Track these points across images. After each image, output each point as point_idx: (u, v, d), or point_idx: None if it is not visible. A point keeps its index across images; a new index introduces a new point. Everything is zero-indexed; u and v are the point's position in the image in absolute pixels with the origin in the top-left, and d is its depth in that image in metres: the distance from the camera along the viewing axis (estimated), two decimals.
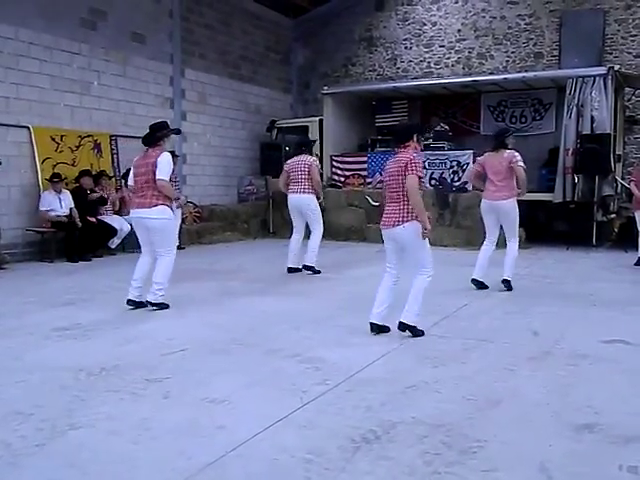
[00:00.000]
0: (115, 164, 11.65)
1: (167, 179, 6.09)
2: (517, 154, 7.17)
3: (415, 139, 5.22)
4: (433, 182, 12.77)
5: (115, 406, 3.57)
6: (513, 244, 7.38)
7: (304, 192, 8.50)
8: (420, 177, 5.02)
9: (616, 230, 12.30)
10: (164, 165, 6.06)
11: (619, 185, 11.91)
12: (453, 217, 12.02)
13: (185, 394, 3.77)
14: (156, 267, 6.23)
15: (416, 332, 5.13)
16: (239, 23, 14.88)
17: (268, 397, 3.73)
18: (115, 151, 11.63)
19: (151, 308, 6.16)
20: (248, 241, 13.04)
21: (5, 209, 9.88)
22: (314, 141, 9.37)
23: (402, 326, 5.12)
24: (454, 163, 12.64)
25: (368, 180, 13.50)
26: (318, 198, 8.67)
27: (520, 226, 11.46)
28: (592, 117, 11.28)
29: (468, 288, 7.35)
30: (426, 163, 13.08)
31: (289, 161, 8.85)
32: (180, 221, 11.86)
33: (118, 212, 11.06)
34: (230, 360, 4.51)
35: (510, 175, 7.12)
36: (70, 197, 10.05)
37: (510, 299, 6.80)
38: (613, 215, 11.93)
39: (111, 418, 3.38)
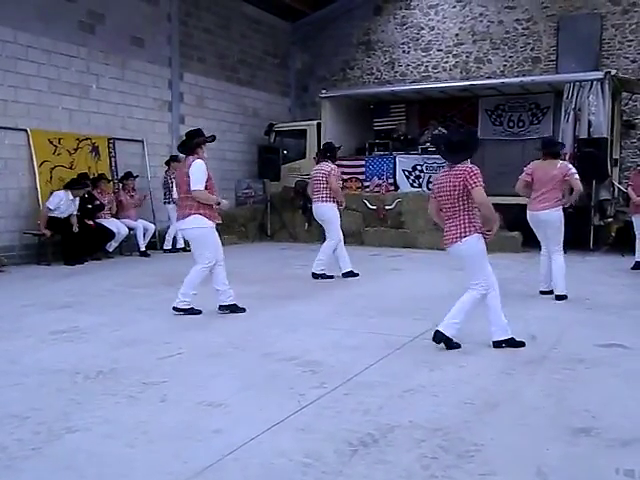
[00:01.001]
0: (113, 167, 11.65)
1: (201, 188, 5.92)
2: (571, 165, 7.15)
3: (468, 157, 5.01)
4: (431, 186, 12.79)
5: (112, 409, 3.57)
6: (558, 256, 7.08)
7: (322, 201, 8.43)
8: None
9: (613, 234, 12.31)
10: (196, 174, 5.92)
11: (616, 189, 11.94)
12: None
13: (182, 397, 3.77)
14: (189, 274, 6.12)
15: (451, 345, 4.87)
16: (237, 27, 14.90)
17: (265, 400, 3.72)
18: (113, 154, 11.63)
19: (179, 314, 6.05)
20: (246, 244, 13.04)
21: (2, 212, 9.87)
22: (339, 147, 9.32)
23: (439, 336, 4.87)
24: None
25: (366, 184, 13.52)
26: (340, 205, 8.57)
27: (516, 230, 11.64)
28: (589, 121, 11.31)
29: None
30: (424, 167, 13.14)
31: (314, 168, 8.76)
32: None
33: (115, 215, 11.05)
34: (227, 363, 4.51)
35: (559, 186, 7.00)
36: (77, 203, 10.03)
37: (507, 303, 6.77)
38: (610, 219, 11.95)
39: (108, 421, 3.38)
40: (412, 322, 5.79)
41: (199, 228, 6.01)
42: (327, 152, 8.82)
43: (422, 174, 13.16)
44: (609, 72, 11.54)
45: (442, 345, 4.94)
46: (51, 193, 9.93)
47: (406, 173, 13.30)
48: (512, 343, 4.95)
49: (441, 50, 15.48)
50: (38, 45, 10.27)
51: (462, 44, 15.25)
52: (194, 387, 3.95)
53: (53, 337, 5.20)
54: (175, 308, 6.08)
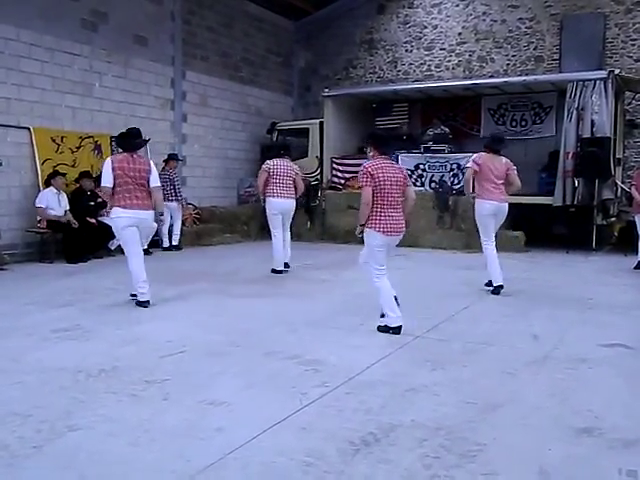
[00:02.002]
0: None
1: (159, 184, 6.60)
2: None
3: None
4: (433, 185, 12.79)
5: (114, 408, 3.57)
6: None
7: (293, 197, 8.85)
8: None
9: (616, 234, 12.29)
10: (155, 173, 6.61)
11: (619, 189, 11.91)
12: (453, 220, 12.03)
13: (184, 396, 3.77)
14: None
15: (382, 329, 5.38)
16: (240, 26, 14.90)
17: (267, 399, 3.72)
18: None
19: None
20: (248, 243, 13.02)
21: (5, 210, 9.88)
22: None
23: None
24: (454, 166, 12.65)
25: None
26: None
27: (519, 229, 11.62)
28: (592, 121, 11.29)
29: (468, 291, 7.36)
30: (426, 166, 13.12)
31: (271, 162, 8.86)
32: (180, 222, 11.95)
33: None
34: (229, 362, 4.51)
35: (506, 180, 7.36)
36: (66, 199, 10.03)
37: (510, 303, 6.80)
38: (613, 219, 11.94)
39: (110, 420, 3.38)
40: (414, 321, 5.78)
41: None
42: (282, 149, 9.24)
43: (424, 173, 13.14)
44: (612, 71, 11.52)
45: (444, 345, 4.99)
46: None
47: (408, 172, 13.26)
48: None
49: (444, 49, 15.46)
50: (41, 43, 10.27)
51: (465, 43, 15.23)
52: (196, 386, 3.95)
53: (55, 335, 5.20)
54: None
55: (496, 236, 7.60)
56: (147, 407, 3.59)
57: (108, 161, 6.45)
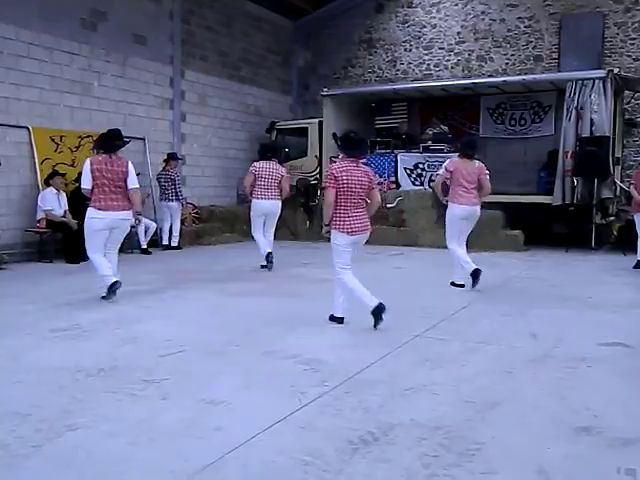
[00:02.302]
0: None
1: (138, 186, 6.83)
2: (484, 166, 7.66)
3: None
4: (432, 184, 12.77)
5: (113, 407, 3.57)
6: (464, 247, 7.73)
7: (277, 199, 9.04)
8: None
9: (615, 233, 12.31)
10: (134, 175, 6.82)
11: (618, 188, 11.92)
12: None
13: (183, 395, 3.77)
14: (112, 262, 6.78)
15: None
16: (239, 25, 14.89)
17: (266, 398, 3.72)
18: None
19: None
20: (247, 242, 13.00)
21: (4, 209, 9.88)
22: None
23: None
24: None
25: None
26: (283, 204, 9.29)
27: (518, 228, 11.63)
28: (591, 120, 11.30)
29: (467, 290, 7.36)
30: (426, 165, 13.13)
31: (258, 165, 9.09)
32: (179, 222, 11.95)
33: None
34: (228, 361, 4.51)
35: (478, 184, 7.55)
36: (66, 198, 10.03)
37: (509, 301, 6.80)
38: (612, 218, 11.95)
39: (109, 419, 3.38)
40: (413, 320, 5.79)
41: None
42: (268, 152, 9.35)
43: (424, 172, 13.15)
44: (611, 70, 11.52)
45: (443, 344, 4.98)
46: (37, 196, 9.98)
47: (408, 171, 13.30)
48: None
49: (443, 48, 15.46)
50: (40, 43, 10.27)
51: (464, 42, 15.23)
52: (195, 385, 3.95)
53: (54, 335, 5.20)
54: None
55: (468, 240, 7.91)
56: (146, 406, 3.59)
57: (87, 162, 6.63)
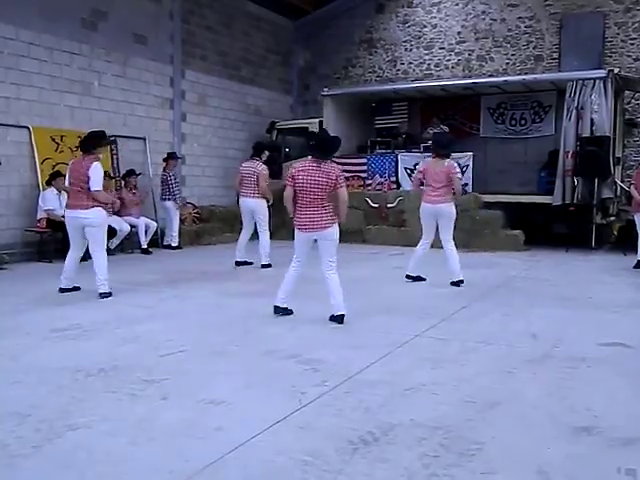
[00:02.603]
0: (115, 165, 11.64)
1: (100, 188, 6.79)
2: (456, 165, 7.78)
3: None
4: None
5: (113, 407, 3.57)
6: (451, 245, 7.76)
7: (252, 196, 9.20)
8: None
9: (615, 233, 12.31)
10: (96, 176, 6.77)
11: (618, 188, 11.92)
12: None
13: (183, 395, 3.76)
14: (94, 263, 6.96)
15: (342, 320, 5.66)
16: (240, 25, 14.89)
17: (266, 398, 3.72)
18: (115, 152, 11.63)
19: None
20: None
21: (4, 209, 9.88)
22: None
23: (339, 318, 5.68)
24: None
25: (368, 182, 13.50)
26: (268, 201, 9.34)
27: (519, 228, 11.62)
28: (592, 120, 11.29)
29: (467, 290, 7.36)
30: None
31: (243, 165, 9.48)
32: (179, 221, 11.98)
33: (117, 213, 11.04)
34: (228, 361, 4.51)
35: (449, 183, 7.65)
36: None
37: (509, 301, 6.80)
38: (612, 218, 11.94)
39: (109, 419, 3.38)
40: (413, 320, 5.79)
41: (101, 218, 6.86)
42: (253, 151, 9.58)
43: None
44: (612, 70, 11.52)
45: (443, 344, 4.99)
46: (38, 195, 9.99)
47: (408, 171, 13.28)
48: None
49: (443, 48, 15.46)
50: (40, 42, 10.26)
51: (464, 42, 15.22)
52: (195, 385, 3.95)
53: (54, 334, 5.20)
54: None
55: (454, 237, 7.87)
56: (146, 406, 3.59)
57: (69, 163, 7.13)
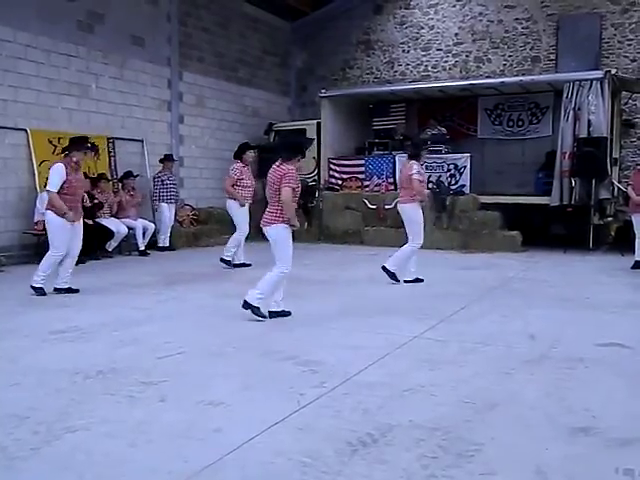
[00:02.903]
0: (113, 167, 11.64)
1: (54, 190, 6.88)
2: (415, 167, 7.94)
3: (298, 159, 5.96)
4: (430, 185, 12.78)
5: (111, 409, 3.57)
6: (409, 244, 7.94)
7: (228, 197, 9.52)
8: (294, 188, 5.75)
9: (613, 233, 12.33)
10: (52, 177, 6.95)
11: (616, 188, 11.94)
12: (450, 220, 12.05)
13: (182, 397, 3.76)
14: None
15: (257, 313, 5.71)
16: (237, 26, 14.89)
17: (265, 400, 3.72)
18: (113, 154, 11.63)
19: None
20: (245, 244, 13.00)
21: (1, 212, 9.86)
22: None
23: (246, 305, 5.74)
24: (451, 166, 12.67)
25: (365, 183, 13.51)
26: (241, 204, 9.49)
27: (516, 229, 11.63)
28: (589, 121, 11.32)
29: (465, 291, 7.36)
30: (423, 166, 13.11)
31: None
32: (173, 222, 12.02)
33: (115, 215, 11.05)
34: (226, 363, 4.51)
35: (408, 184, 7.91)
36: None
37: (507, 302, 6.81)
38: (610, 218, 11.97)
39: (107, 421, 3.37)
40: (412, 321, 5.80)
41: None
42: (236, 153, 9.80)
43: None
44: (609, 71, 11.54)
45: (441, 345, 4.99)
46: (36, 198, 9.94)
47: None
48: (256, 313, 5.73)
49: (441, 49, 15.47)
50: (37, 45, 10.26)
51: (462, 43, 15.24)
52: (194, 386, 3.95)
53: (53, 337, 5.20)
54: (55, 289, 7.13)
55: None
56: (145, 408, 3.59)
57: None
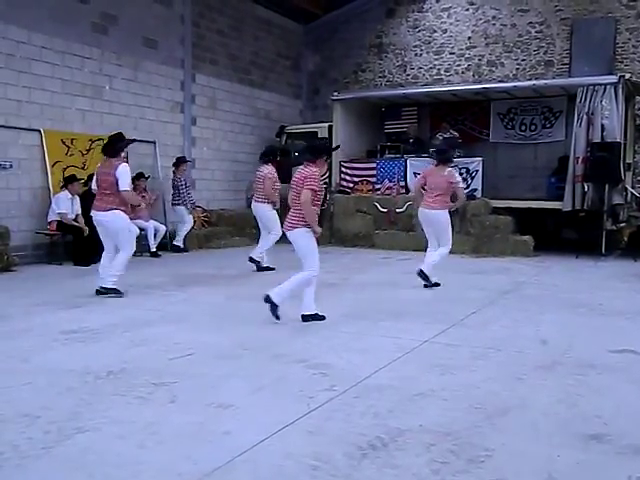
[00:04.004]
0: None
1: (129, 189, 7.11)
2: (457, 173, 8.00)
3: (324, 159, 5.93)
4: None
5: (122, 410, 3.58)
6: (444, 249, 7.99)
7: (258, 201, 9.30)
8: (316, 190, 5.64)
9: (626, 239, 12.24)
10: (124, 177, 7.01)
11: (629, 194, 11.86)
12: (461, 224, 12.00)
13: (192, 399, 3.77)
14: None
15: (274, 311, 5.68)
16: (250, 29, 14.94)
17: (275, 402, 3.72)
18: (125, 155, 11.63)
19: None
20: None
21: (15, 211, 9.93)
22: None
23: (268, 299, 5.71)
24: (463, 170, 12.61)
25: (377, 186, 13.49)
26: (274, 205, 9.25)
27: (528, 234, 11.57)
28: (602, 125, 11.25)
29: (476, 296, 7.34)
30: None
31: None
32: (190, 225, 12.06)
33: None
34: (237, 365, 4.51)
35: (446, 191, 7.85)
36: (79, 202, 10.06)
37: (518, 307, 6.77)
38: (623, 224, 11.88)
39: (118, 422, 3.38)
40: (423, 325, 5.78)
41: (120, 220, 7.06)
42: (264, 155, 9.53)
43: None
44: (623, 76, 11.48)
45: (452, 349, 4.98)
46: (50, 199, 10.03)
47: (417, 176, 13.27)
48: (316, 317, 5.80)
49: (453, 53, 15.44)
50: (52, 46, 10.34)
51: (474, 47, 15.21)
52: (204, 388, 3.95)
53: (64, 337, 5.22)
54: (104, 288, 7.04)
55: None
56: (155, 409, 3.59)
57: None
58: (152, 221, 11.45)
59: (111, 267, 7.08)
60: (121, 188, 6.94)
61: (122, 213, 7.05)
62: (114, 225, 7.05)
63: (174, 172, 12.04)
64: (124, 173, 7.00)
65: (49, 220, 9.98)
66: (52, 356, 4.69)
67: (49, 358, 4.62)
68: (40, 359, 4.59)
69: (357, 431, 3.28)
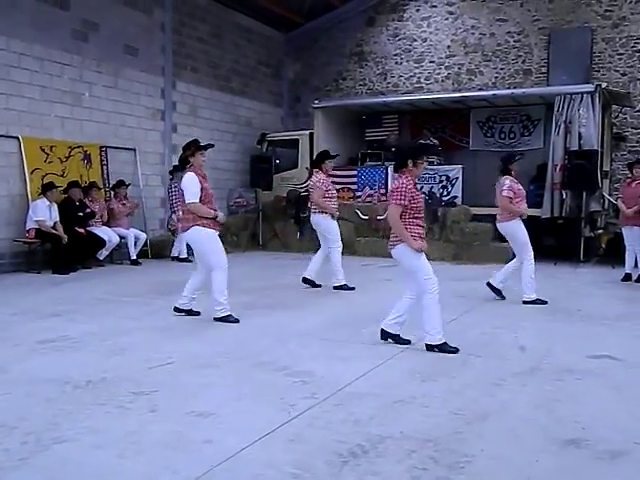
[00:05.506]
0: (105, 175, 11.62)
1: (196, 200, 6.13)
2: (506, 182, 7.63)
3: (410, 164, 5.31)
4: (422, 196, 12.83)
5: (101, 419, 3.55)
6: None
7: (313, 212, 8.67)
8: (404, 205, 5.18)
9: (603, 246, 12.37)
10: (189, 187, 6.17)
11: (606, 201, 12.01)
12: (442, 231, 12.08)
13: (172, 407, 3.75)
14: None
15: (397, 340, 5.40)
16: (231, 37, 14.95)
17: (255, 411, 3.71)
18: (105, 162, 11.61)
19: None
20: (237, 254, 12.98)
21: None
22: (334, 156, 9.08)
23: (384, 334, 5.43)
24: (443, 177, 12.72)
25: (357, 194, 13.54)
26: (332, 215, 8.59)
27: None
28: (580, 134, 11.40)
29: (456, 303, 7.37)
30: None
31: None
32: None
33: (107, 224, 11.02)
34: (217, 373, 4.49)
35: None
36: (57, 209, 9.97)
37: (498, 314, 6.82)
38: (600, 231, 12.03)
39: (97, 431, 3.35)
40: (402, 332, 5.79)
41: (199, 237, 6.25)
42: (313, 163, 9.04)
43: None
44: (599, 85, 11.64)
45: (433, 356, 5.01)
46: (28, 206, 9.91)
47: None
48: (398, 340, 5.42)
49: (433, 62, 15.57)
50: (31, 53, 10.25)
51: (454, 56, 15.34)
52: (184, 397, 3.93)
53: (42, 346, 5.17)
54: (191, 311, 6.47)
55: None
56: (135, 419, 3.57)
57: (194, 176, 6.21)
58: (132, 229, 11.38)
59: (211, 297, 6.24)
60: (187, 201, 6.14)
61: (202, 228, 6.19)
62: (195, 245, 6.39)
63: (170, 179, 11.98)
64: (187, 182, 6.17)
65: (27, 228, 9.87)
66: (30, 365, 4.63)
67: (27, 368, 4.57)
68: (18, 369, 4.54)
69: (338, 439, 3.28)
